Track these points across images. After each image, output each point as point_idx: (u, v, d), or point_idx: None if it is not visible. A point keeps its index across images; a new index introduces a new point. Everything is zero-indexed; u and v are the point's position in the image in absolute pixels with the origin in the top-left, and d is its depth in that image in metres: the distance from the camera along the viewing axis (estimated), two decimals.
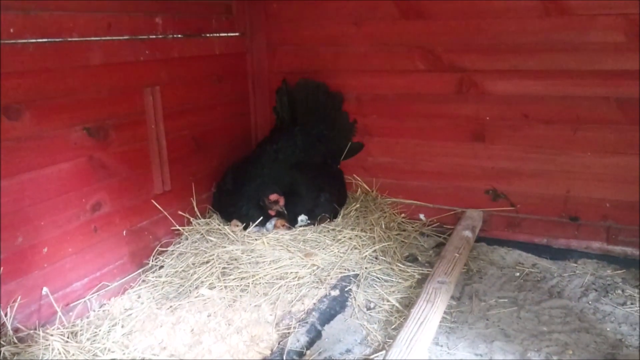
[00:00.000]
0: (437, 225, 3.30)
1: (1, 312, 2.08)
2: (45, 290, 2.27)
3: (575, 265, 2.87)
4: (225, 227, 3.07)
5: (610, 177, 2.91)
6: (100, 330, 2.25)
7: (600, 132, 2.88)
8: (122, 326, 2.29)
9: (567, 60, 2.87)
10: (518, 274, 2.80)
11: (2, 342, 2.04)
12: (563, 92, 2.92)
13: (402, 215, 3.37)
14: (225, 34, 3.34)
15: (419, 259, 2.95)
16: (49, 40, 2.21)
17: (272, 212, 3.07)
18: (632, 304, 2.49)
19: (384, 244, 2.95)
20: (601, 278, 2.73)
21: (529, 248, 3.04)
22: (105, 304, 2.49)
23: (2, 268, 2.08)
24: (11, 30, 2.06)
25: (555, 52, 2.88)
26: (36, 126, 2.19)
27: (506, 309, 2.48)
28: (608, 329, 2.31)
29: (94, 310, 2.44)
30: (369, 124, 3.47)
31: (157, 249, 2.85)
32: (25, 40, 2.12)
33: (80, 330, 2.25)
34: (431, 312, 2.18)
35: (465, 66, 3.10)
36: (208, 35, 3.18)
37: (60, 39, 2.26)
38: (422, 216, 3.38)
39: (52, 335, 2.16)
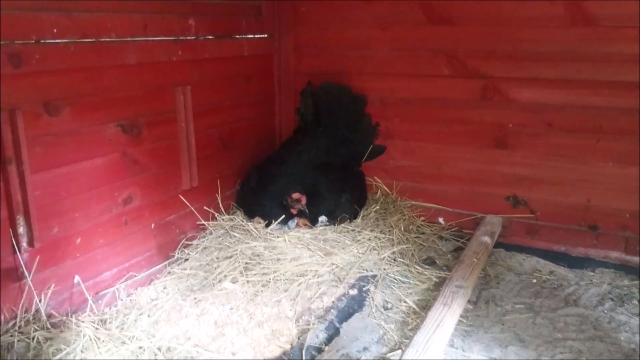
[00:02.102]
0: (456, 230, 3.34)
1: (36, 297, 2.19)
2: (77, 278, 2.36)
3: (593, 274, 2.89)
4: (249, 223, 3.14)
5: (630, 187, 2.92)
6: (128, 319, 2.33)
7: (622, 143, 2.90)
8: (149, 315, 2.38)
9: (591, 71, 2.88)
10: (535, 280, 2.83)
11: (36, 327, 2.12)
12: (587, 102, 2.93)
13: (422, 218, 3.40)
14: (254, 36, 3.41)
15: (437, 262, 2.99)
16: (89, 40, 2.30)
17: (294, 211, 3.14)
18: None
19: (402, 246, 3.00)
20: (618, 288, 2.74)
21: (547, 255, 3.06)
22: (132, 294, 2.57)
23: (38, 257, 2.18)
24: (54, 31, 2.15)
25: (580, 61, 2.89)
26: (74, 122, 2.27)
27: (522, 314, 2.51)
28: (622, 339, 2.34)
29: (122, 299, 2.52)
30: (391, 127, 3.51)
31: (183, 243, 2.94)
32: (67, 40, 2.20)
33: (109, 318, 2.33)
34: (448, 314, 2.23)
35: (489, 73, 3.13)
36: (238, 36, 3.25)
37: (99, 39, 2.34)
38: (441, 220, 3.41)
39: (83, 322, 2.24)
